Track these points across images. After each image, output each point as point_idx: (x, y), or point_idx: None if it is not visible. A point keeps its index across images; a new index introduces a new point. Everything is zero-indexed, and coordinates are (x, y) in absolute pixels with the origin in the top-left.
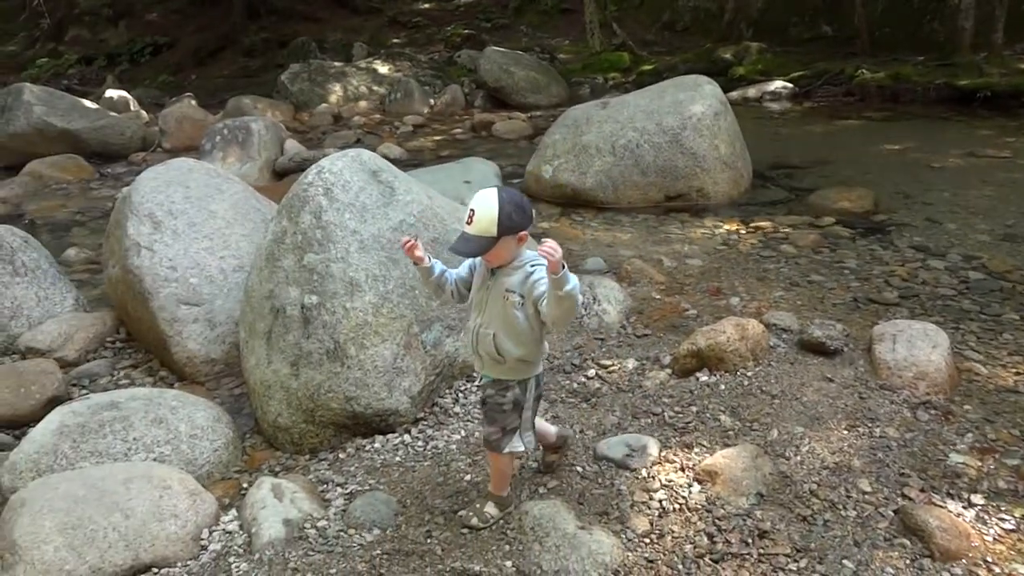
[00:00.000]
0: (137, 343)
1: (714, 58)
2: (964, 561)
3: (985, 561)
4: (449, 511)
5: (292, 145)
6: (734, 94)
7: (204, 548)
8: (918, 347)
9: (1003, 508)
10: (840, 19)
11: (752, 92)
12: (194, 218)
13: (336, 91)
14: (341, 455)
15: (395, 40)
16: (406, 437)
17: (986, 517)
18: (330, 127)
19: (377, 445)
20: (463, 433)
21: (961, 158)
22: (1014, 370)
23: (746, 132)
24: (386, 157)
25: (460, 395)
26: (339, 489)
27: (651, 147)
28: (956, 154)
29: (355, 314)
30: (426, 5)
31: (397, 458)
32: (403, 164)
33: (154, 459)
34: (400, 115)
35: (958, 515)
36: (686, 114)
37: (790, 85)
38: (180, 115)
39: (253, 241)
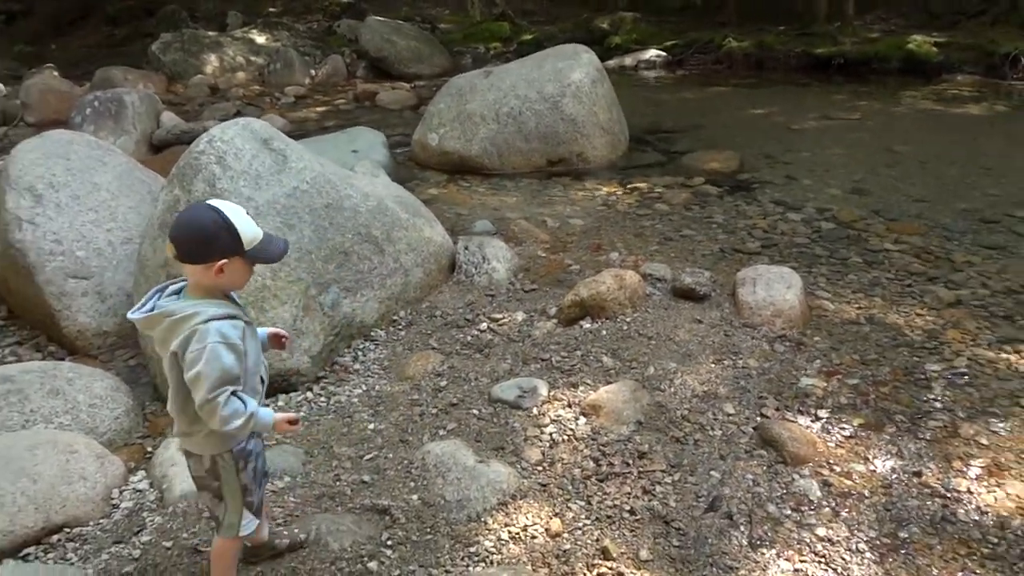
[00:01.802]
0: (21, 319)
1: (591, 28)
2: (811, 464)
3: (828, 463)
4: (356, 457)
5: (169, 117)
6: (611, 63)
7: (116, 507)
8: (775, 289)
9: (844, 419)
10: None
11: (628, 61)
12: (77, 191)
13: (212, 62)
14: None
15: (271, 9)
16: (308, 394)
17: (830, 428)
18: (207, 99)
19: (281, 403)
20: (364, 388)
21: (817, 121)
22: (856, 305)
23: (623, 99)
24: None
25: (359, 353)
26: None
27: (533, 114)
28: (813, 117)
29: (253, 279)
30: None
31: (301, 413)
32: (287, 135)
33: (54, 429)
34: (281, 86)
35: (807, 427)
36: (565, 82)
37: (663, 54)
38: (43, 87)
39: (141, 213)
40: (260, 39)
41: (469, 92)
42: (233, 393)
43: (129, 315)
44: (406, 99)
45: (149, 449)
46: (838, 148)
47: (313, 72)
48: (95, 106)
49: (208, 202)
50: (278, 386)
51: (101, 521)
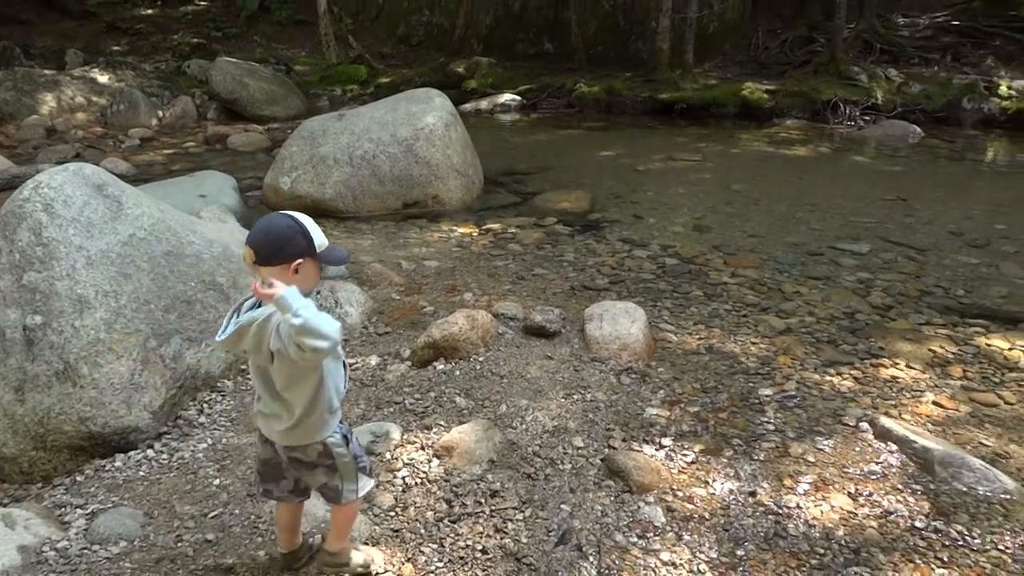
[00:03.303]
0: None
1: (448, 71)
2: (656, 491)
3: (671, 489)
4: (199, 515)
5: None
6: (467, 106)
7: None
8: (620, 324)
9: (686, 446)
10: (560, 37)
11: (484, 104)
12: None
13: (48, 101)
14: (79, 478)
15: (115, 48)
16: (149, 452)
17: (673, 454)
18: (43, 141)
19: (119, 464)
20: (209, 442)
21: (662, 162)
22: (697, 336)
23: (479, 141)
24: (111, 173)
25: (205, 406)
26: (79, 511)
27: (387, 157)
28: (658, 159)
29: (86, 332)
30: (149, 11)
31: (141, 473)
32: (131, 179)
33: None
34: (125, 128)
35: (651, 456)
36: (419, 125)
37: (518, 97)
38: None
39: None
40: (102, 78)
41: (322, 135)
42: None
43: (217, 339)
44: (259, 142)
45: None
46: (681, 188)
47: (160, 114)
48: None
49: (281, 212)
50: (115, 445)
51: None
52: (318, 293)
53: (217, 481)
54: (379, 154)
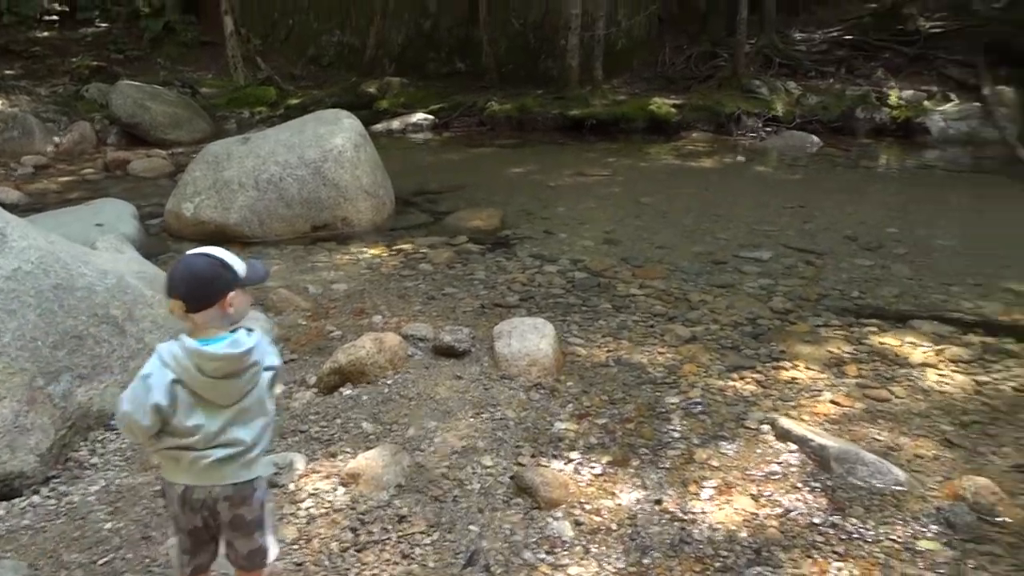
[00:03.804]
0: None
1: (359, 92)
2: (564, 506)
3: (579, 503)
4: (88, 563)
5: None
6: (379, 126)
7: None
8: (529, 339)
9: (594, 458)
10: (472, 56)
11: (396, 124)
12: None
13: None
14: None
15: (8, 72)
16: (35, 498)
17: (581, 468)
18: None
19: (1, 513)
20: (102, 484)
21: (573, 177)
22: (606, 348)
23: (391, 161)
24: (0, 203)
25: (98, 445)
26: None
27: (295, 180)
28: (569, 174)
29: None
30: (46, 33)
31: (26, 521)
32: (23, 210)
33: None
34: (18, 155)
35: (560, 471)
36: (327, 147)
37: (430, 117)
38: None
39: None
40: None
41: (226, 159)
42: None
43: (235, 351)
44: (162, 167)
45: None
46: (591, 202)
47: (57, 140)
48: None
49: (189, 252)
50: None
51: None
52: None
53: (109, 525)
54: (286, 177)
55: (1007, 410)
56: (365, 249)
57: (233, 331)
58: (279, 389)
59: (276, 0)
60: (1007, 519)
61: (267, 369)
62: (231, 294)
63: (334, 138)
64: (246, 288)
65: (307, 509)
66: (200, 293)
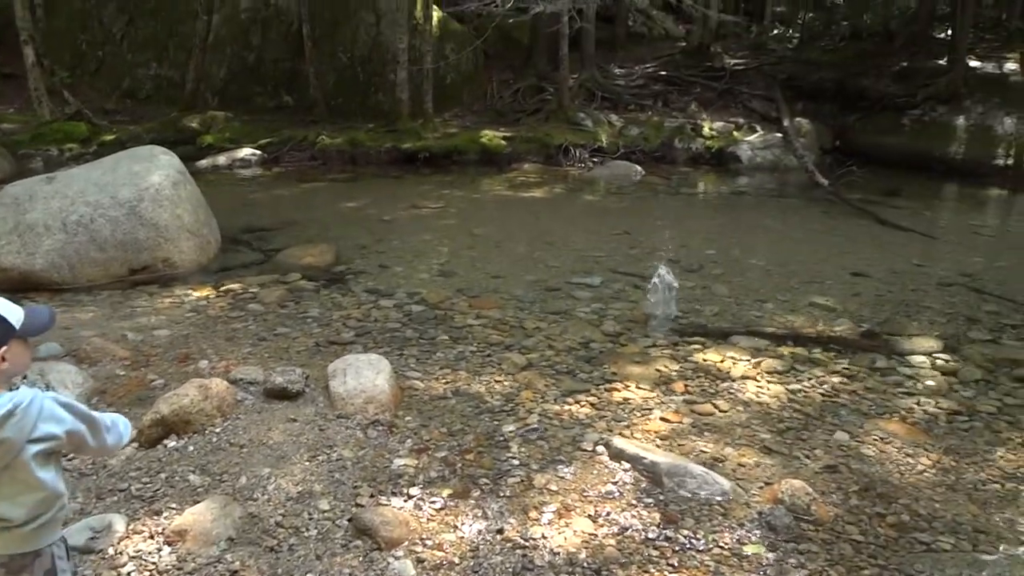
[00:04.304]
0: None
1: (180, 127)
2: (405, 544)
3: (421, 539)
4: None
5: None
6: (204, 162)
7: None
8: (364, 376)
9: (435, 492)
10: (300, 89)
11: (222, 159)
12: None
13: None
14: None
15: None
16: None
17: (421, 503)
18: None
19: None
20: None
21: (407, 210)
22: (444, 380)
23: (218, 198)
24: None
25: None
26: None
27: (107, 221)
28: (403, 207)
29: None
30: None
31: None
32: None
33: None
34: None
35: (400, 508)
36: (143, 185)
37: (259, 152)
38: None
39: None
40: None
41: (28, 201)
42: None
43: None
44: None
45: None
46: (426, 235)
47: None
48: None
49: None
50: None
51: None
52: (24, 378)
53: None
54: (98, 218)
55: (817, 415)
56: (190, 291)
57: (12, 389)
58: (92, 451)
59: (84, 30)
60: (820, 517)
61: (38, 441)
62: (4, 348)
63: (150, 176)
64: (27, 339)
65: (128, 574)
66: None
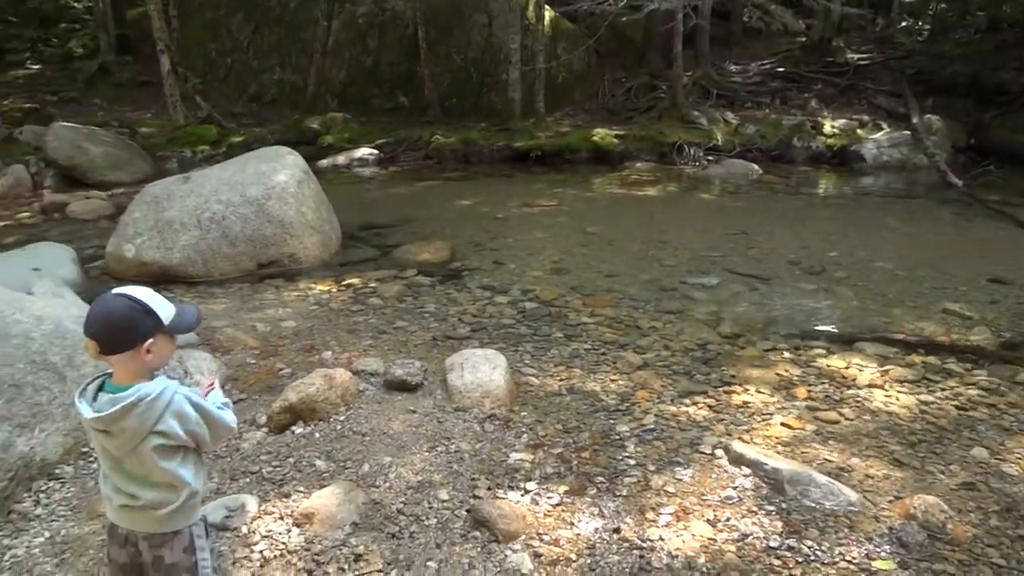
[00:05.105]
0: None
1: (303, 128)
2: (522, 538)
3: (538, 534)
4: None
5: None
6: (324, 162)
7: None
8: (481, 371)
9: (551, 488)
10: (415, 91)
11: (341, 159)
12: None
13: None
14: None
15: None
16: None
17: (538, 498)
18: None
19: None
20: (47, 535)
21: (520, 208)
22: (559, 377)
23: (337, 197)
24: None
25: (42, 496)
26: None
27: (238, 218)
28: (516, 205)
29: None
30: None
31: None
32: None
33: None
34: None
35: (516, 502)
36: (270, 184)
37: (376, 151)
38: None
39: None
40: None
41: (167, 199)
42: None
43: (87, 416)
44: (102, 209)
45: None
46: (539, 232)
47: None
48: None
49: (114, 291)
50: None
51: None
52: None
53: None
54: (229, 215)
55: (952, 429)
56: (313, 285)
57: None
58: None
59: (214, 39)
60: (956, 536)
61: (160, 434)
62: (150, 340)
63: (276, 175)
64: (173, 335)
65: (260, 552)
66: (114, 336)
